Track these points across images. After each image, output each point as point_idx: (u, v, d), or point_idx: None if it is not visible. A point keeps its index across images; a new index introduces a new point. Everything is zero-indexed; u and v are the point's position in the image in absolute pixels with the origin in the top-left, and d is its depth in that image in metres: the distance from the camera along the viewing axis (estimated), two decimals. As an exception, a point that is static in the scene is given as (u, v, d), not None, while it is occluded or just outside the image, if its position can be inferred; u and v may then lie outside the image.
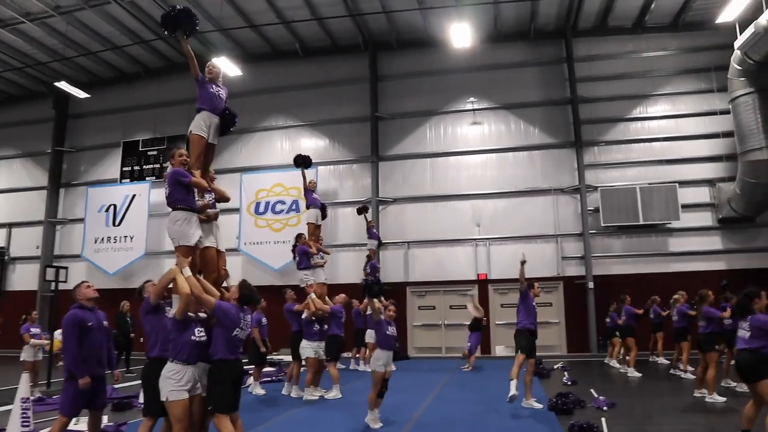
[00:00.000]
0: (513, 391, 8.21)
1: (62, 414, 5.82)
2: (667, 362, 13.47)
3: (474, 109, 18.60)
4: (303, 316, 10.07)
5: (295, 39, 18.93)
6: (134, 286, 6.43)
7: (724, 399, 8.80)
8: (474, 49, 17.63)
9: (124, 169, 20.80)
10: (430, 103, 18.89)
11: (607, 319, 14.39)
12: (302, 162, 12.69)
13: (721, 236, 16.85)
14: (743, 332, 6.27)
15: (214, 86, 6.46)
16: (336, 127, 19.44)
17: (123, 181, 20.74)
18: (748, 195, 15.59)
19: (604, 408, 8.38)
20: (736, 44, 15.00)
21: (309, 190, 12.56)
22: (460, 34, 15.26)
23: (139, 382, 5.93)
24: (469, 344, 14.00)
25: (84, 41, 18.48)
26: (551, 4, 16.96)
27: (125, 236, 20.08)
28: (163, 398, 5.10)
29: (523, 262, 8.88)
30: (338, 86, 19.45)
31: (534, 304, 8.96)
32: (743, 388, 9.35)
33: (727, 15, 14.32)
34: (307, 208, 12.62)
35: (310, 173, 13.44)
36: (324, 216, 12.67)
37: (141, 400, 6.44)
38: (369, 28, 18.55)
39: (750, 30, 14.17)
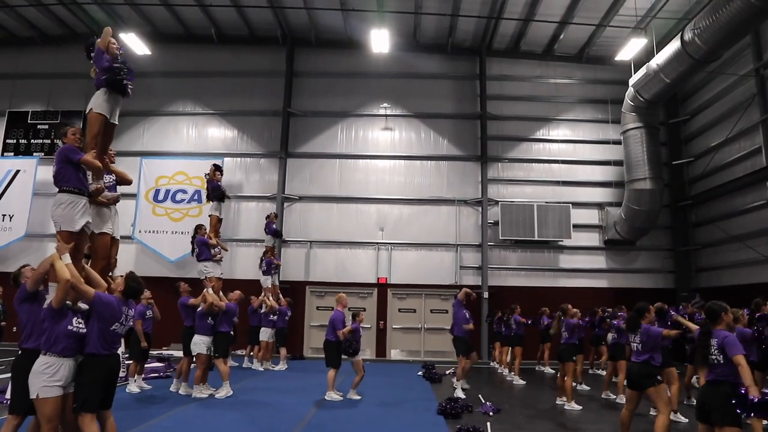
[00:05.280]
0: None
1: None
2: (552, 371, 14.19)
3: (386, 115, 18.79)
4: (198, 309, 9.71)
5: (212, 24, 18.24)
6: (11, 270, 5.86)
7: (580, 407, 9.39)
8: (392, 55, 17.93)
9: (8, 141, 19.06)
10: (344, 105, 18.87)
11: (494, 326, 15.15)
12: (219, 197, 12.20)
13: (605, 256, 18.08)
14: (635, 345, 6.58)
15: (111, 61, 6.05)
16: (246, 119, 18.94)
17: (6, 154, 18.99)
18: (631, 220, 16.84)
19: (490, 413, 8.69)
20: (631, 81, 16.27)
21: (213, 181, 12.13)
22: (380, 40, 15.38)
23: (8, 375, 5.39)
24: None
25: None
26: (469, 21, 17.49)
27: (4, 215, 18.39)
28: (33, 395, 4.65)
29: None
30: (252, 78, 18.97)
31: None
32: (622, 400, 10.05)
33: (624, 54, 15.50)
34: (210, 200, 12.17)
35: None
36: (221, 199, 12.18)
37: (8, 395, 5.84)
38: (289, 22, 18.25)
39: (642, 70, 15.45)
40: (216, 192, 11.87)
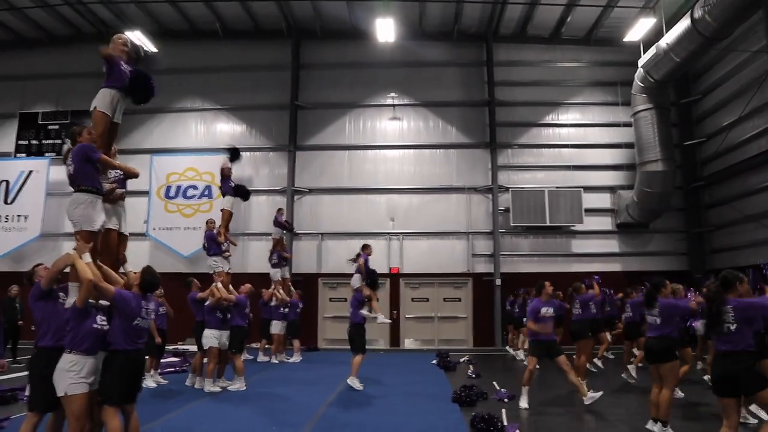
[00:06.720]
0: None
1: None
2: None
3: (394, 105, 18.72)
4: (206, 303, 9.77)
5: (216, 18, 18.24)
6: (26, 270, 5.91)
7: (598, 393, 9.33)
8: (397, 44, 17.77)
9: (20, 142, 19.25)
10: (351, 96, 18.82)
11: (507, 307, 15.24)
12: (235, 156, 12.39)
13: (618, 240, 17.95)
14: (653, 319, 6.50)
15: (123, 64, 6.06)
16: (254, 113, 18.95)
17: (18, 155, 19.19)
18: (644, 203, 16.70)
19: (505, 400, 8.67)
20: (640, 63, 16.06)
21: (225, 177, 12.15)
22: (385, 29, 15.30)
23: (26, 373, 5.44)
24: None
25: (-23, -1, 16.83)
26: (475, 7, 17.32)
27: (19, 215, 18.58)
28: (60, 393, 4.69)
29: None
30: (258, 71, 18.96)
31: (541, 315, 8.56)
32: (634, 374, 10.06)
33: (633, 35, 15.32)
34: (223, 195, 12.20)
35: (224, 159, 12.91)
36: (246, 197, 12.37)
37: (27, 393, 5.92)
38: (294, 15, 18.20)
39: (652, 51, 15.24)
40: (240, 190, 11.98)
